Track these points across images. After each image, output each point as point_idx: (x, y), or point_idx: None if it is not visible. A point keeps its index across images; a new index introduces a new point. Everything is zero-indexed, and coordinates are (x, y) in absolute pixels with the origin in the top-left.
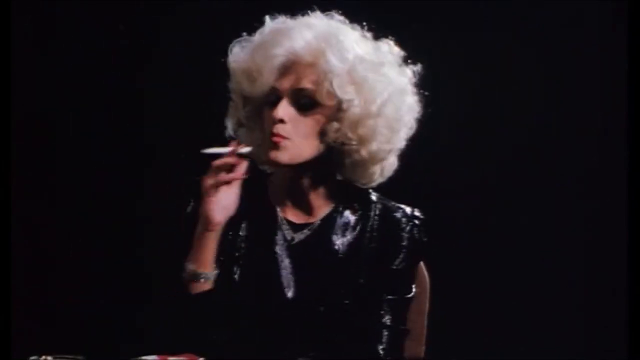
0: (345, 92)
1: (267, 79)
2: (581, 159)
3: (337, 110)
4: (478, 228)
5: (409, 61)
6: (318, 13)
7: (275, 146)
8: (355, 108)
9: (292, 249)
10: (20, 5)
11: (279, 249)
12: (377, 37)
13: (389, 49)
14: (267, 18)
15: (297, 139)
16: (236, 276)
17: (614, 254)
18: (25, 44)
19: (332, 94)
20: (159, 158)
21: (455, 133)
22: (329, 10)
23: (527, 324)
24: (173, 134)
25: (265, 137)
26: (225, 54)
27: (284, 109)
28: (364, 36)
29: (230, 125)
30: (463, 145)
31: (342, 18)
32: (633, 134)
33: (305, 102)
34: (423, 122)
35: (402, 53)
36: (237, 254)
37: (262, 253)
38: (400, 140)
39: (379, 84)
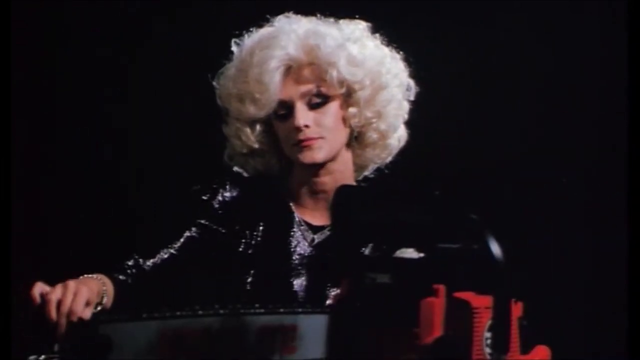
0: (354, 74)
1: (273, 93)
2: (581, 159)
3: (349, 96)
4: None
5: (375, 33)
6: (278, 18)
7: (308, 147)
8: (366, 87)
9: (314, 250)
10: (20, 5)
11: (300, 250)
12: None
13: (355, 25)
14: (232, 43)
15: (328, 134)
16: (250, 278)
17: (614, 254)
18: (25, 44)
19: (341, 82)
20: (160, 159)
21: (454, 133)
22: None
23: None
24: (174, 135)
25: (287, 148)
26: (226, 53)
27: (302, 115)
28: (328, 22)
29: (239, 159)
30: (461, 145)
31: (293, 15)
32: (633, 134)
33: (318, 101)
34: (419, 123)
35: (367, 25)
36: (253, 256)
37: (279, 254)
38: (405, 102)
39: (374, 58)
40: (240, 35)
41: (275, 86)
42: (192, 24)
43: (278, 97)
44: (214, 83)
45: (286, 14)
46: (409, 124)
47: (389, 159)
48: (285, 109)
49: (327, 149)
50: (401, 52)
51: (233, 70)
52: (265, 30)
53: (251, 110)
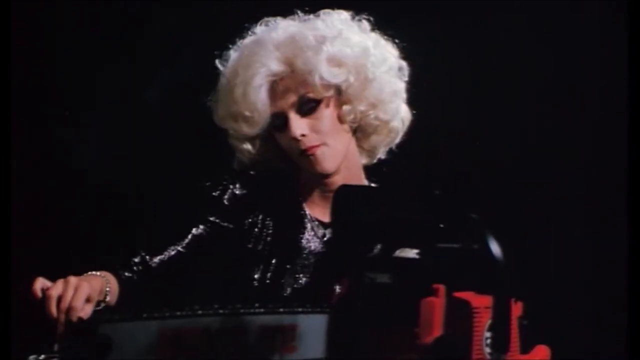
0: (336, 75)
1: (263, 110)
2: (581, 159)
3: (339, 94)
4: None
5: (360, 17)
6: (258, 25)
7: (315, 158)
8: (353, 84)
9: (325, 246)
10: (20, 5)
11: (311, 246)
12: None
13: (337, 16)
14: (217, 62)
15: (328, 139)
16: (260, 275)
17: (614, 254)
18: (25, 44)
19: (326, 85)
20: (159, 158)
21: (454, 133)
22: None
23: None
24: (177, 132)
25: (294, 157)
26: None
27: (297, 125)
28: (306, 20)
29: (248, 167)
30: (461, 145)
31: (272, 19)
32: (633, 134)
33: (309, 107)
34: (419, 123)
35: (346, 13)
36: (263, 252)
37: (290, 250)
38: (400, 83)
39: (356, 52)
40: (240, 36)
41: (263, 103)
42: (193, 23)
43: (269, 112)
44: (209, 104)
45: (266, 19)
46: (411, 105)
47: (397, 140)
48: (280, 121)
49: (334, 155)
50: (387, 34)
51: (221, 91)
52: (245, 43)
53: (245, 128)
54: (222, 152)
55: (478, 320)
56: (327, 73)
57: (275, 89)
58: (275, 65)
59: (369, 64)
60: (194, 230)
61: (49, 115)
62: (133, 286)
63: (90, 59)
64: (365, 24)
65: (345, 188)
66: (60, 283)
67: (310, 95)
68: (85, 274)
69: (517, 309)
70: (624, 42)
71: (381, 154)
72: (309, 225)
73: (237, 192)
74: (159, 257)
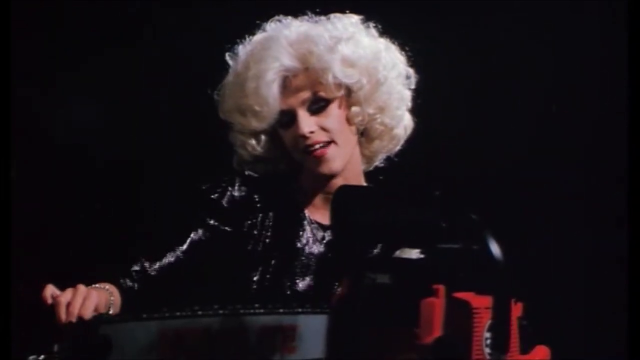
0: (349, 75)
1: (273, 105)
2: (581, 159)
3: (349, 96)
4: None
5: (368, 23)
6: (270, 23)
7: (324, 158)
8: (364, 86)
9: (324, 248)
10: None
11: (309, 248)
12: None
13: (347, 20)
14: (226, 56)
15: (337, 138)
16: (259, 277)
17: (614, 254)
18: (25, 44)
19: (338, 85)
20: (159, 158)
21: (454, 133)
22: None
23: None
24: (178, 134)
25: (297, 155)
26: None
27: (305, 123)
28: (316, 21)
29: (247, 165)
30: (461, 146)
31: (284, 18)
32: (633, 134)
33: (319, 105)
34: (419, 123)
35: (357, 16)
36: (262, 254)
37: (289, 252)
38: (406, 90)
39: (368, 55)
40: (241, 36)
41: (274, 98)
42: (194, 22)
43: (279, 108)
44: (215, 97)
45: (277, 17)
46: (413, 113)
47: (397, 147)
48: (288, 118)
49: (342, 155)
50: (397, 41)
51: (230, 84)
52: (257, 39)
53: (253, 123)
54: (222, 152)
55: (478, 320)
56: (340, 73)
57: (287, 85)
58: (288, 61)
59: (380, 67)
60: (192, 235)
61: (49, 116)
62: (135, 295)
63: (90, 59)
64: (373, 30)
65: (344, 188)
66: (69, 291)
67: (322, 94)
68: (89, 287)
69: (517, 309)
70: (624, 42)
71: (378, 162)
72: (308, 228)
73: (236, 194)
74: (158, 264)
